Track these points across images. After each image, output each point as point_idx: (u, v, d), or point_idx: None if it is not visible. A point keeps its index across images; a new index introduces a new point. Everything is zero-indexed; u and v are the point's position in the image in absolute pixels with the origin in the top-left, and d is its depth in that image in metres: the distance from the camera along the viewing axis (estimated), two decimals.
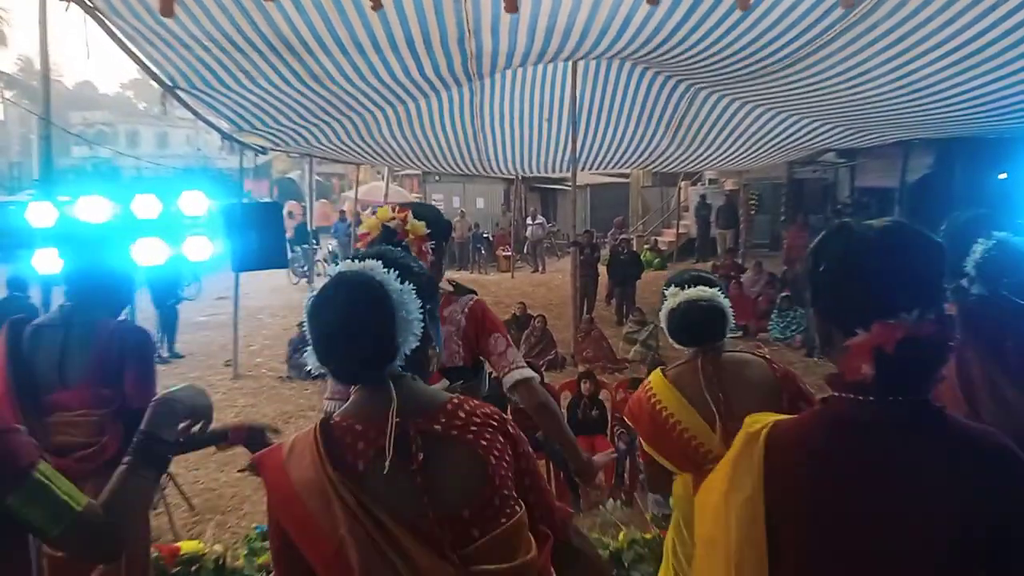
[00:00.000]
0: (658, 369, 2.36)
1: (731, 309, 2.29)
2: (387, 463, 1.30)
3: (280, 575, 1.37)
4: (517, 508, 1.42)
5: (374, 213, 2.37)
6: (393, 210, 2.34)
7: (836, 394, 1.20)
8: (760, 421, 1.27)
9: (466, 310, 2.48)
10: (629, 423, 2.36)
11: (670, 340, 2.31)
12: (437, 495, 1.34)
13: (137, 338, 2.49)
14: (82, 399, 2.35)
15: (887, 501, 1.11)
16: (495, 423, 1.44)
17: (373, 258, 1.41)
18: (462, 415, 1.41)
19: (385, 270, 1.37)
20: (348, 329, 1.34)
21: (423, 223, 2.31)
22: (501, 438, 1.44)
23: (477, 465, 1.38)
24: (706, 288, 2.25)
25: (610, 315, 11.30)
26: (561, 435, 2.56)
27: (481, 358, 2.54)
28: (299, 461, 1.34)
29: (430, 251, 2.33)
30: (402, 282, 1.37)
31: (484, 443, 1.40)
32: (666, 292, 2.28)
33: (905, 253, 1.16)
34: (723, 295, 2.28)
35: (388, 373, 1.37)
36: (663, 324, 2.31)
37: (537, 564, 1.41)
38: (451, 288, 2.56)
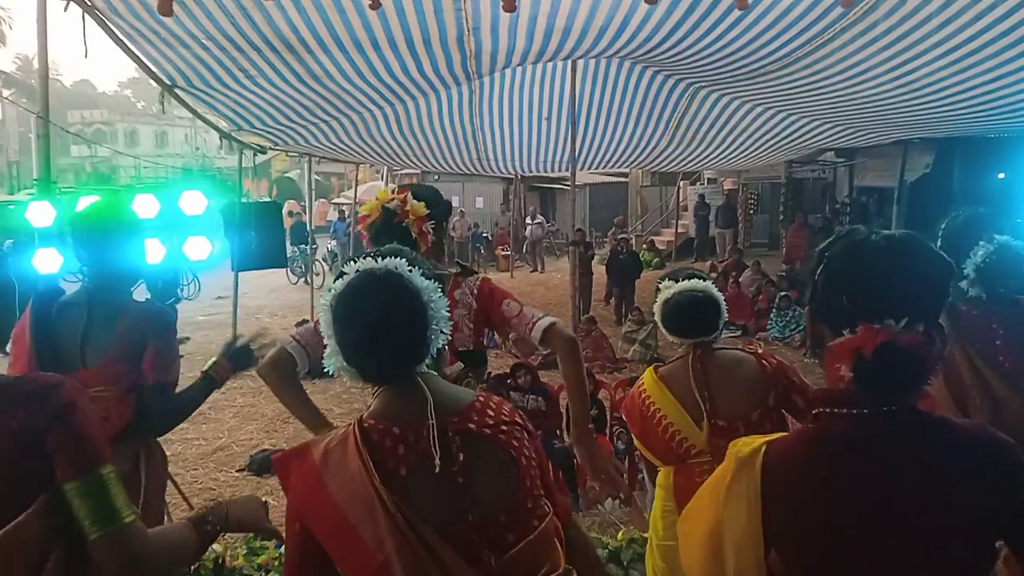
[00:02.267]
0: (652, 367, 2.44)
1: (728, 306, 2.38)
2: (437, 465, 1.26)
3: (292, 558, 1.31)
4: (547, 509, 1.38)
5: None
6: (392, 192, 2.34)
7: (826, 410, 1.18)
8: (750, 444, 1.22)
9: (475, 291, 2.44)
10: (625, 420, 2.43)
11: (664, 331, 2.39)
12: (476, 497, 1.30)
13: (160, 318, 2.52)
14: (101, 377, 2.37)
15: (889, 513, 1.10)
16: (519, 421, 1.41)
17: (391, 256, 1.36)
18: (491, 413, 1.38)
19: (408, 267, 1.33)
20: (387, 328, 1.29)
21: (422, 204, 2.30)
22: (527, 436, 1.41)
23: (510, 465, 1.34)
24: (699, 281, 2.33)
25: (608, 315, 11.31)
26: (580, 382, 2.35)
27: (482, 340, 2.52)
28: (340, 471, 1.27)
29: (430, 231, 2.32)
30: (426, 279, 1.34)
31: (515, 443, 1.36)
32: (660, 285, 2.34)
33: (904, 263, 1.14)
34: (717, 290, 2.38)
35: (417, 371, 1.34)
36: (657, 315, 2.39)
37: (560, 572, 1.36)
38: (458, 270, 2.54)
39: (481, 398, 1.41)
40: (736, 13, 4.36)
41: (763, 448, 1.19)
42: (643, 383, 2.36)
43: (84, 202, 3.65)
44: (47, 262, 3.38)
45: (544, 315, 2.38)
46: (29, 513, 1.26)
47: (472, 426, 1.33)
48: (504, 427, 1.37)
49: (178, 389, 2.55)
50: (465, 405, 1.37)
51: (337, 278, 1.35)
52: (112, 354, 2.39)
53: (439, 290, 1.34)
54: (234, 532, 1.59)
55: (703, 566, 1.22)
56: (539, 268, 18.06)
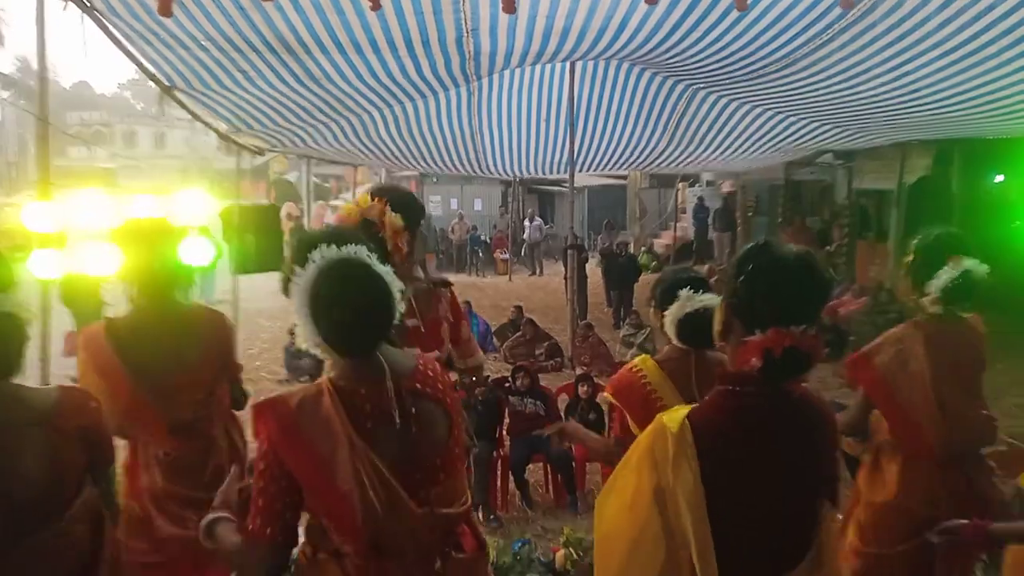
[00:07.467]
0: (647, 356, 2.51)
1: None
2: (397, 420, 1.55)
3: (264, 490, 1.55)
4: (464, 456, 1.76)
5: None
6: (372, 198, 2.42)
7: (736, 388, 1.50)
8: (674, 420, 1.48)
9: (449, 304, 2.71)
10: (611, 399, 2.46)
11: (672, 337, 2.43)
12: (422, 443, 1.60)
13: (225, 321, 2.83)
14: (196, 379, 2.57)
15: (783, 460, 1.48)
16: (450, 381, 1.73)
17: (339, 238, 1.59)
18: (431, 375, 1.68)
19: (367, 255, 1.57)
20: (372, 309, 1.55)
21: (399, 217, 2.38)
22: (455, 395, 1.73)
23: (446, 419, 1.66)
24: (714, 297, 2.38)
25: (606, 318, 11.29)
26: None
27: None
28: (314, 418, 1.52)
29: (404, 244, 2.42)
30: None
31: (450, 400, 1.68)
32: (680, 293, 2.38)
33: (810, 280, 1.47)
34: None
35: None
36: (671, 322, 2.41)
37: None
38: (431, 283, 2.71)
39: (422, 362, 1.69)
40: (735, 14, 4.37)
41: (685, 421, 1.47)
42: (643, 371, 2.40)
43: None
44: (42, 267, 3.37)
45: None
46: (92, 481, 1.83)
47: (419, 386, 1.63)
48: (440, 386, 1.67)
49: None
50: (411, 368, 1.66)
51: (301, 263, 1.55)
52: (197, 356, 2.57)
53: (392, 272, 1.59)
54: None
55: (645, 516, 1.48)
56: (538, 271, 18.03)
